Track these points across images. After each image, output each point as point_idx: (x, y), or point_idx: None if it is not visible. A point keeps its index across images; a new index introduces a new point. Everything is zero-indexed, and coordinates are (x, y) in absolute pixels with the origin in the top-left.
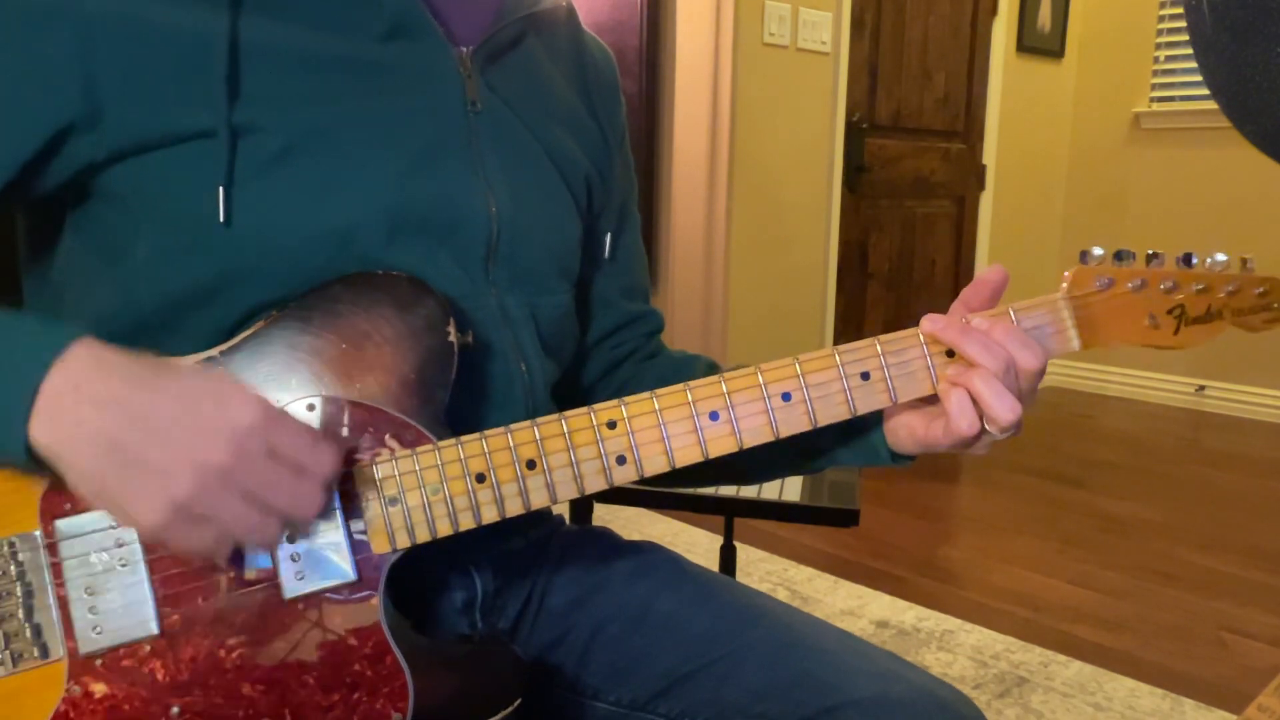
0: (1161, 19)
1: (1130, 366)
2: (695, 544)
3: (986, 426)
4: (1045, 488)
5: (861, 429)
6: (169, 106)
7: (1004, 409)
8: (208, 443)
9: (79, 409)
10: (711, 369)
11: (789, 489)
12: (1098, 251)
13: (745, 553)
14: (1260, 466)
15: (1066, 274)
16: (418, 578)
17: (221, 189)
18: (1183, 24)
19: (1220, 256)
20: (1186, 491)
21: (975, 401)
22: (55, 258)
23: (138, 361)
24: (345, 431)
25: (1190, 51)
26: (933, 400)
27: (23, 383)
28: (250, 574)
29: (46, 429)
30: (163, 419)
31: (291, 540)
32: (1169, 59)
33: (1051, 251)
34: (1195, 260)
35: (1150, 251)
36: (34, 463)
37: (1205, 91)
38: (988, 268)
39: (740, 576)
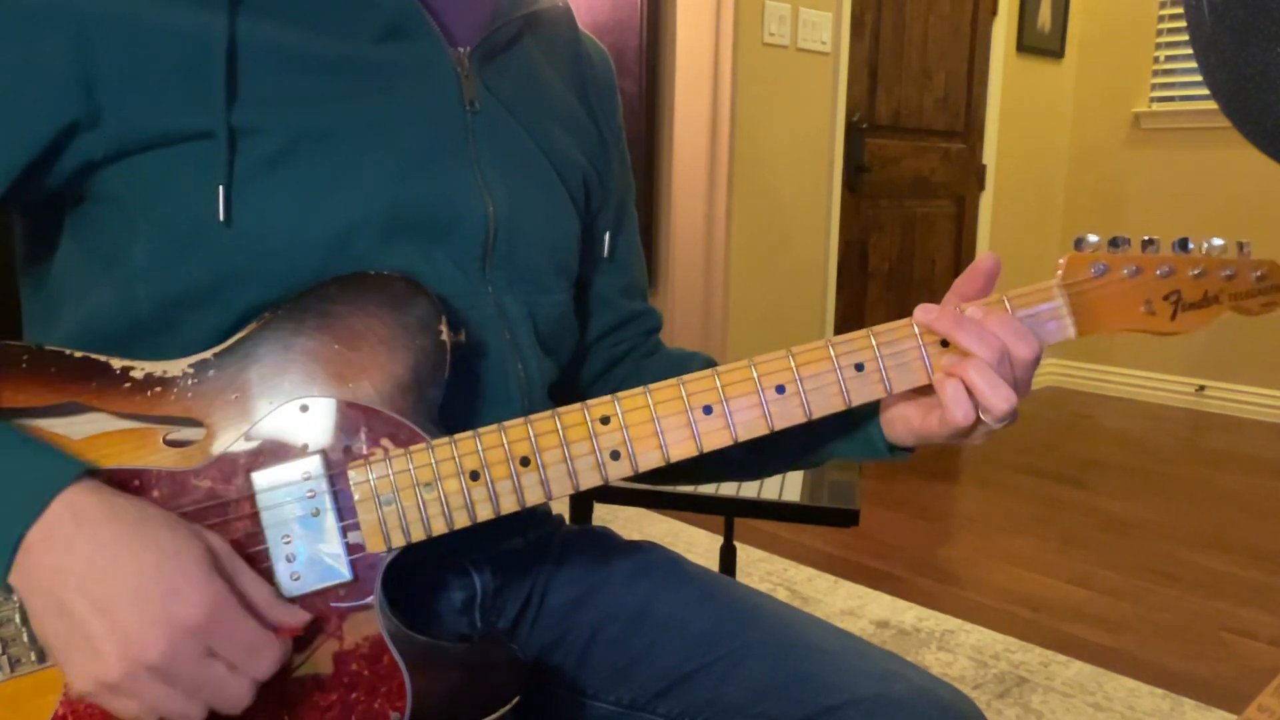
0: (1161, 19)
1: (1130, 366)
2: (695, 544)
3: (982, 416)
4: (1045, 488)
5: (857, 422)
6: (167, 107)
7: (999, 399)
8: (146, 639)
9: (41, 567)
10: (709, 367)
11: (789, 489)
12: (1092, 238)
13: (745, 553)
14: (1260, 466)
15: (1061, 261)
16: (417, 578)
17: (221, 189)
18: (1183, 24)
19: (1216, 241)
20: (1186, 491)
21: (970, 391)
22: (53, 260)
23: (121, 516)
24: (352, 431)
25: (1190, 51)
26: (928, 391)
27: (6, 537)
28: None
29: (15, 576)
30: (110, 598)
31: (287, 541)
32: (1169, 59)
33: (1051, 251)
34: (1191, 245)
35: (1145, 238)
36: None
37: (1205, 91)
38: (981, 256)
39: (740, 576)
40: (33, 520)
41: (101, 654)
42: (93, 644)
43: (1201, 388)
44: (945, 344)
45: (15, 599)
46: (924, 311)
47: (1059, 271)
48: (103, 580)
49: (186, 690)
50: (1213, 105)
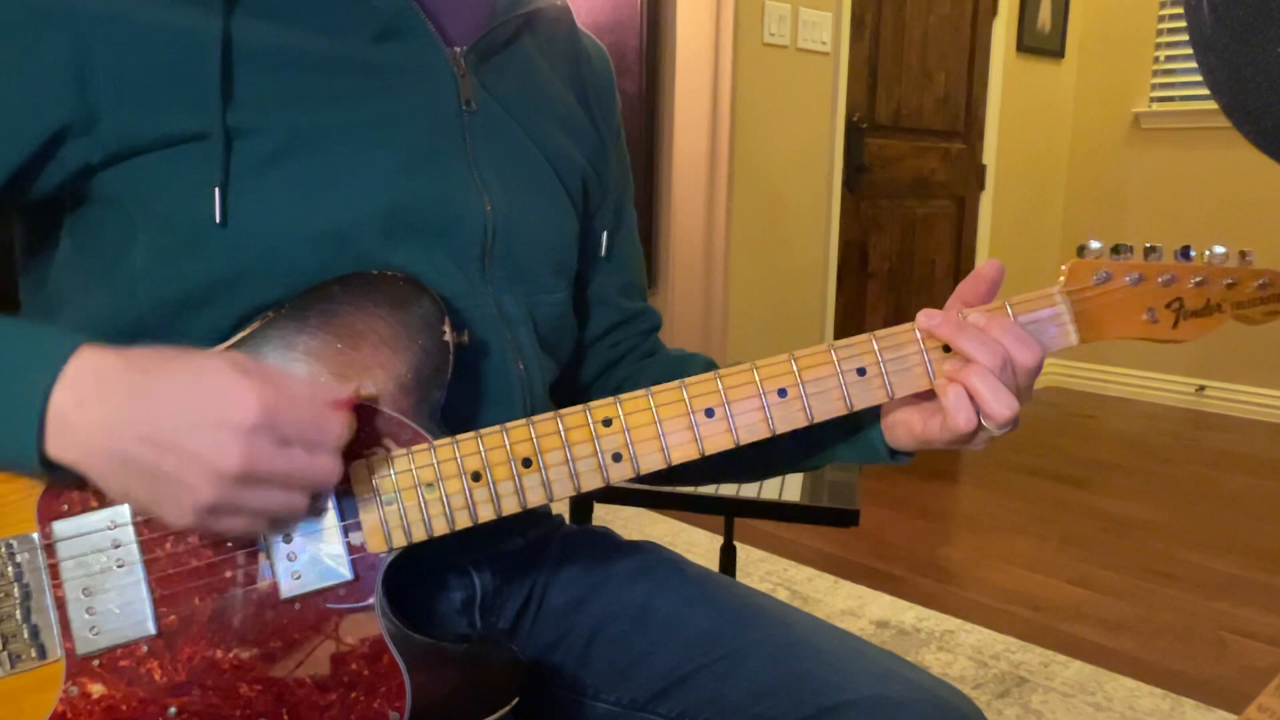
0: (1161, 19)
1: (1130, 366)
2: (695, 544)
3: (983, 423)
4: (1045, 488)
5: (859, 426)
6: (164, 109)
7: (1000, 405)
8: (220, 451)
9: (86, 429)
10: (709, 367)
11: (789, 489)
12: (1095, 245)
13: (745, 553)
14: (1260, 466)
15: (1064, 268)
16: (417, 577)
17: (218, 190)
18: (1183, 24)
19: (1219, 249)
20: (1186, 491)
21: (972, 397)
22: (52, 262)
23: (136, 363)
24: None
25: (1190, 51)
26: (930, 396)
27: (29, 406)
28: (247, 575)
29: (60, 447)
30: (169, 432)
31: (288, 540)
32: (1169, 59)
33: (1051, 251)
34: (1193, 253)
35: (1148, 245)
36: (59, 474)
37: (1205, 91)
38: (984, 262)
39: (740, 576)
40: (52, 384)
41: (187, 484)
42: (174, 480)
43: (1201, 388)
44: (947, 349)
45: (17, 593)
46: (927, 317)
47: (1061, 278)
48: (152, 418)
49: (281, 483)
50: (1213, 105)
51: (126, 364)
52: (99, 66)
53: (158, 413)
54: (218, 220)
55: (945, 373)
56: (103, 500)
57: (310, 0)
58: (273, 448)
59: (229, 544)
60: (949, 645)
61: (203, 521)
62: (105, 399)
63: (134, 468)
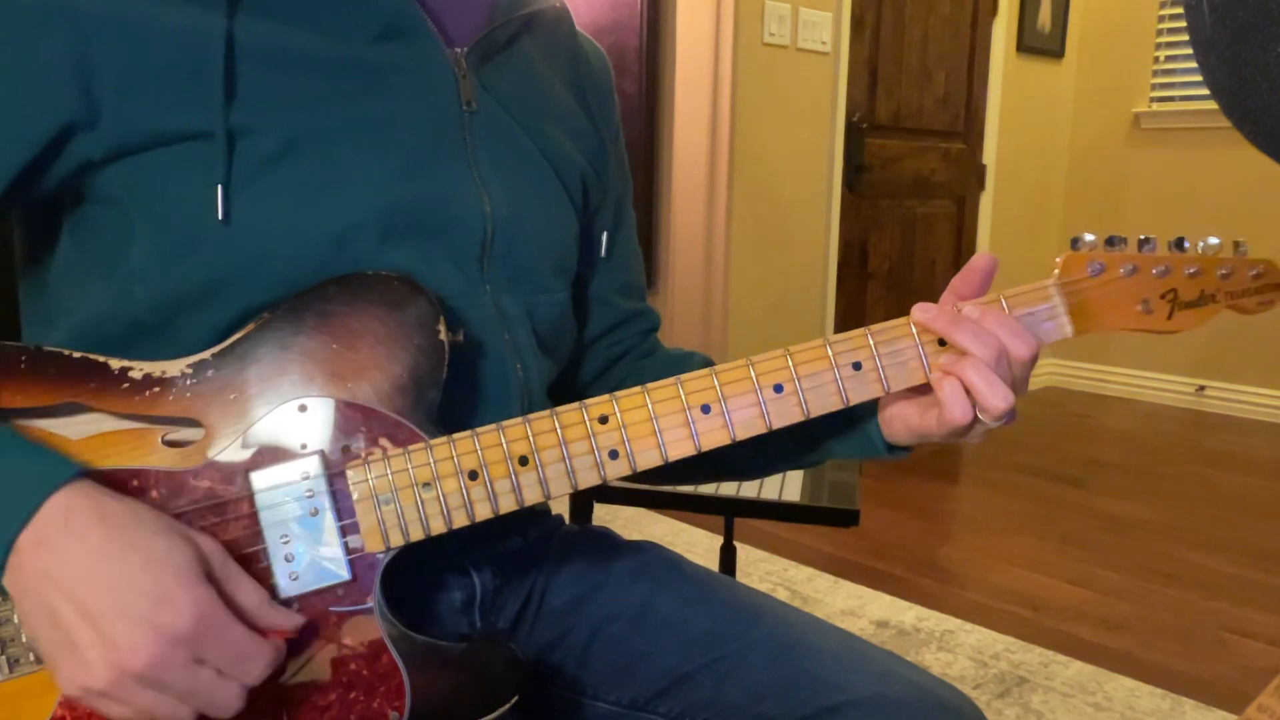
0: (1161, 19)
1: (1130, 366)
2: (695, 544)
3: (979, 415)
4: (1045, 488)
5: (855, 421)
6: (166, 107)
7: (996, 398)
8: (132, 646)
9: (31, 570)
10: (707, 366)
11: (789, 489)
12: (1089, 237)
13: (745, 553)
14: (1260, 466)
15: (1058, 260)
16: (417, 577)
17: (220, 188)
18: (1183, 24)
19: (1213, 240)
20: (1186, 491)
21: (968, 390)
22: (52, 261)
23: (106, 524)
24: (350, 431)
25: (1190, 51)
26: (926, 390)
27: (1, 536)
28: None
29: (8, 579)
30: (99, 606)
31: (286, 541)
32: (1169, 59)
33: (1051, 252)
34: (1188, 244)
35: (1142, 237)
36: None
37: (1205, 91)
38: (977, 255)
39: (740, 576)
40: (24, 523)
41: (89, 662)
42: (80, 652)
43: (1201, 388)
44: (943, 343)
45: (3, 595)
46: (921, 311)
47: (1056, 271)
48: (90, 587)
49: (176, 696)
50: (1213, 105)
51: (100, 519)
52: (101, 64)
53: (96, 585)
54: (220, 219)
55: (940, 366)
56: None
57: (312, 0)
58: (184, 663)
59: (227, 544)
60: (949, 645)
61: (85, 699)
62: (60, 549)
63: (52, 623)
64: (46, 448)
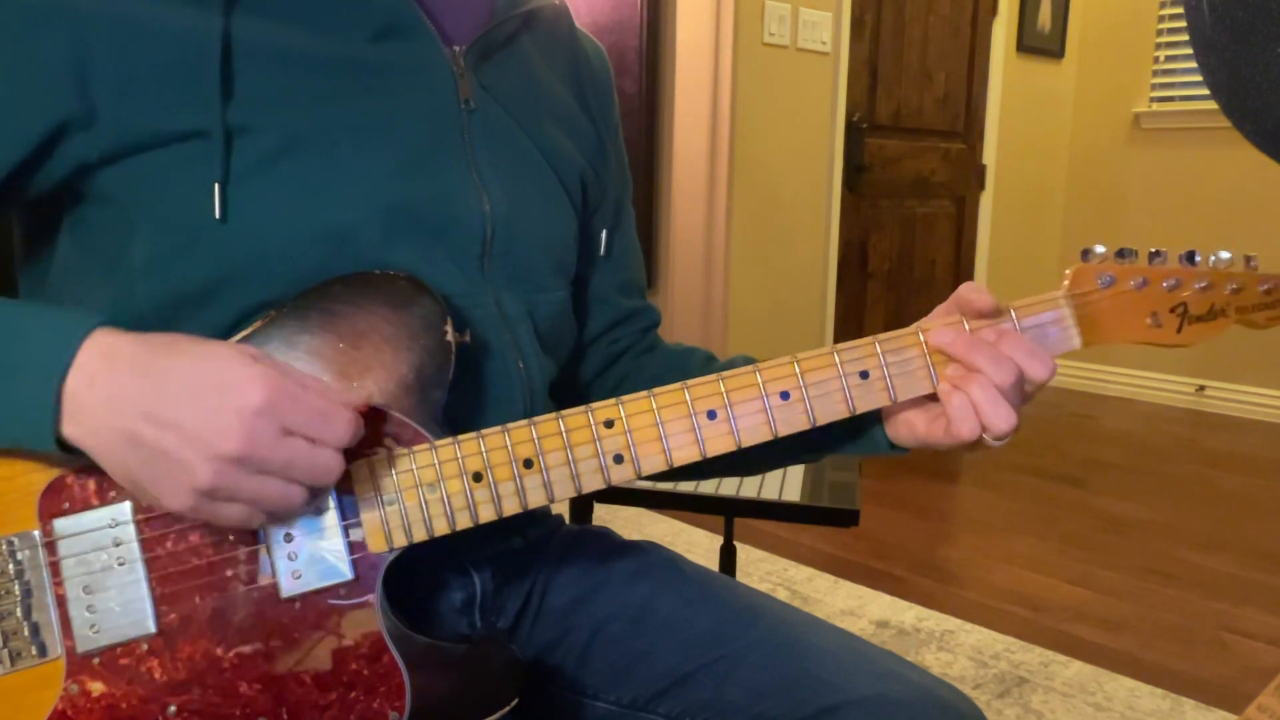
0: (1161, 19)
1: (1130, 366)
2: (695, 544)
3: (982, 434)
4: (1045, 488)
5: (862, 422)
6: (163, 107)
7: (999, 419)
8: (219, 433)
9: (95, 408)
10: (709, 361)
11: (789, 489)
12: (1099, 249)
13: (745, 553)
14: (1260, 466)
15: (1068, 272)
16: (417, 577)
17: (218, 187)
18: (1183, 24)
19: (1224, 254)
20: (1186, 491)
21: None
22: (52, 261)
23: (148, 346)
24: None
25: (1190, 51)
26: (933, 398)
27: (46, 387)
28: (247, 573)
29: (71, 427)
30: (173, 411)
31: (289, 539)
32: (1169, 59)
33: (1051, 251)
34: (1198, 258)
35: (1153, 249)
36: (69, 454)
37: (1205, 91)
38: (977, 293)
39: (740, 576)
40: (67, 367)
41: (185, 463)
42: (173, 459)
43: (1201, 388)
44: None
45: (17, 590)
46: (936, 336)
47: (1065, 282)
48: (158, 398)
49: (279, 472)
50: (1213, 105)
51: (138, 344)
52: (98, 63)
53: (163, 391)
54: (218, 218)
55: (948, 378)
56: (104, 498)
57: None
58: (274, 435)
59: (230, 542)
60: (949, 645)
61: (199, 505)
62: (114, 377)
63: (136, 446)
64: (67, 307)
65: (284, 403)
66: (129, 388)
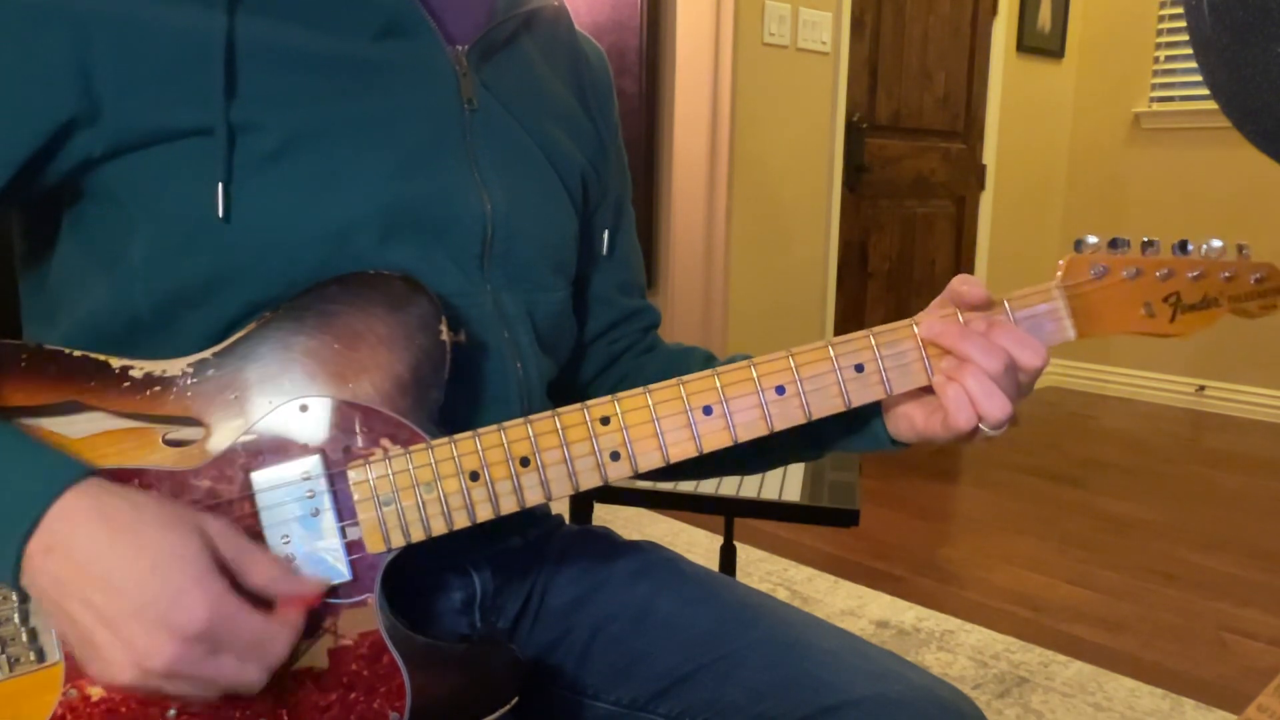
0: (1161, 19)
1: (1130, 366)
2: (695, 544)
3: (979, 424)
4: (1045, 488)
5: (861, 416)
6: (166, 104)
7: (993, 408)
8: (149, 645)
9: (44, 577)
10: (708, 360)
11: (789, 489)
12: (1092, 240)
13: (745, 553)
14: (1260, 466)
15: (1061, 262)
16: (417, 577)
17: (221, 185)
18: (1183, 24)
19: (1216, 243)
20: (1186, 491)
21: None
22: (52, 259)
23: (114, 521)
24: (349, 430)
25: (1190, 51)
26: (930, 391)
27: (8, 547)
28: None
29: (26, 579)
30: (111, 608)
31: (286, 541)
32: (1169, 59)
33: (1051, 251)
34: (1191, 247)
35: (1145, 239)
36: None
37: (1205, 91)
38: (970, 286)
39: (740, 576)
40: (29, 531)
41: (111, 662)
42: (101, 653)
43: (1201, 388)
44: None
45: (15, 596)
46: (926, 328)
47: (1059, 273)
48: (103, 592)
49: (201, 684)
50: (1213, 105)
51: (104, 519)
52: (101, 61)
53: (108, 589)
54: (220, 216)
55: (943, 370)
56: None
57: None
58: (203, 656)
59: None
60: (949, 645)
61: (118, 690)
62: (69, 557)
63: (73, 627)
64: (48, 448)
65: (224, 629)
66: (79, 570)
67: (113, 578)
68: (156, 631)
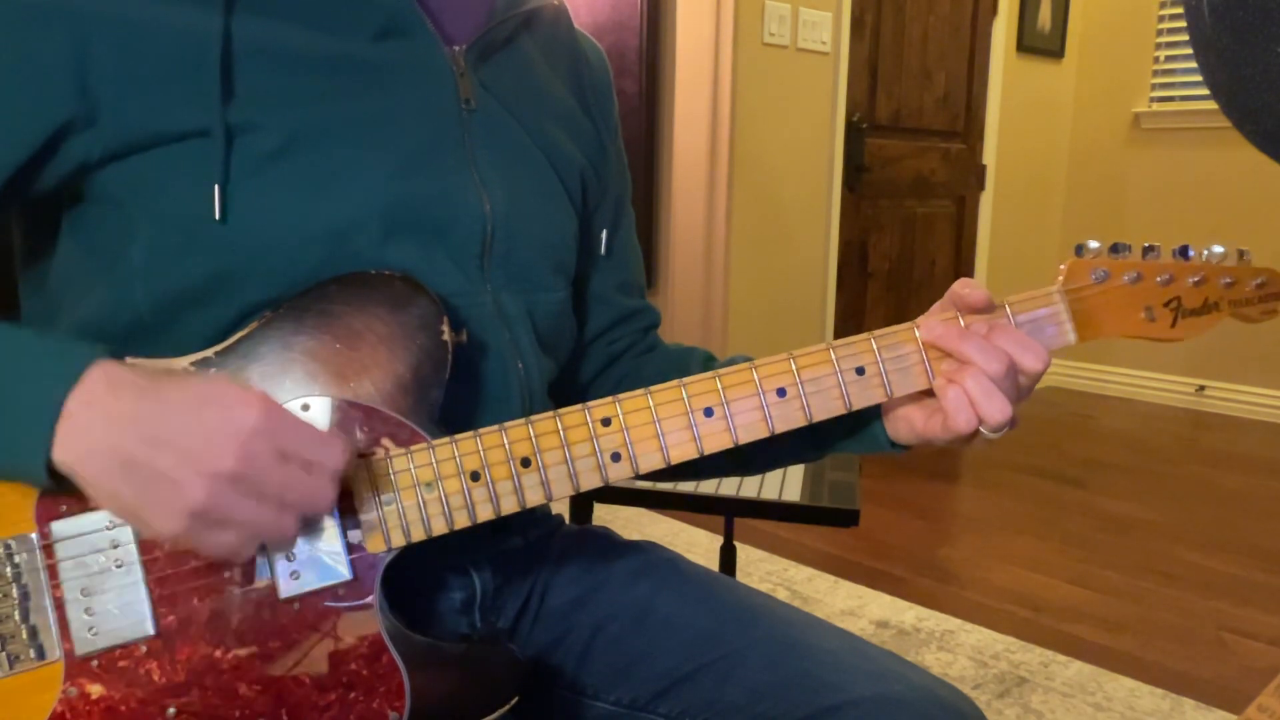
0: (1161, 19)
1: (1130, 366)
2: (695, 544)
3: (979, 426)
4: (1045, 488)
5: (861, 418)
6: (164, 106)
7: (993, 410)
8: (215, 451)
9: (92, 429)
10: (708, 361)
11: (789, 489)
12: (1093, 244)
13: (745, 553)
14: (1260, 466)
15: (1062, 266)
16: (417, 577)
17: (218, 187)
18: (1183, 24)
19: (1217, 248)
20: (1186, 491)
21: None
22: (51, 260)
23: (146, 374)
24: (351, 427)
25: (1190, 51)
26: (930, 393)
27: (46, 410)
28: (246, 575)
29: (64, 450)
30: (170, 430)
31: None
32: (1169, 59)
33: (1051, 252)
34: (1192, 252)
35: (1146, 244)
36: (54, 480)
37: (1205, 91)
38: (972, 290)
39: (740, 576)
40: (71, 386)
41: (179, 482)
42: (167, 477)
43: (1201, 388)
44: None
45: (15, 593)
46: (927, 330)
47: (1060, 277)
48: (155, 418)
49: (273, 497)
50: (1213, 105)
51: (138, 372)
52: (99, 63)
53: (160, 411)
54: (217, 217)
55: (944, 373)
56: None
57: None
58: (270, 457)
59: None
60: (949, 645)
61: (191, 528)
62: (113, 398)
63: (130, 468)
64: (66, 339)
65: (280, 426)
66: (128, 408)
67: (161, 404)
68: (218, 432)
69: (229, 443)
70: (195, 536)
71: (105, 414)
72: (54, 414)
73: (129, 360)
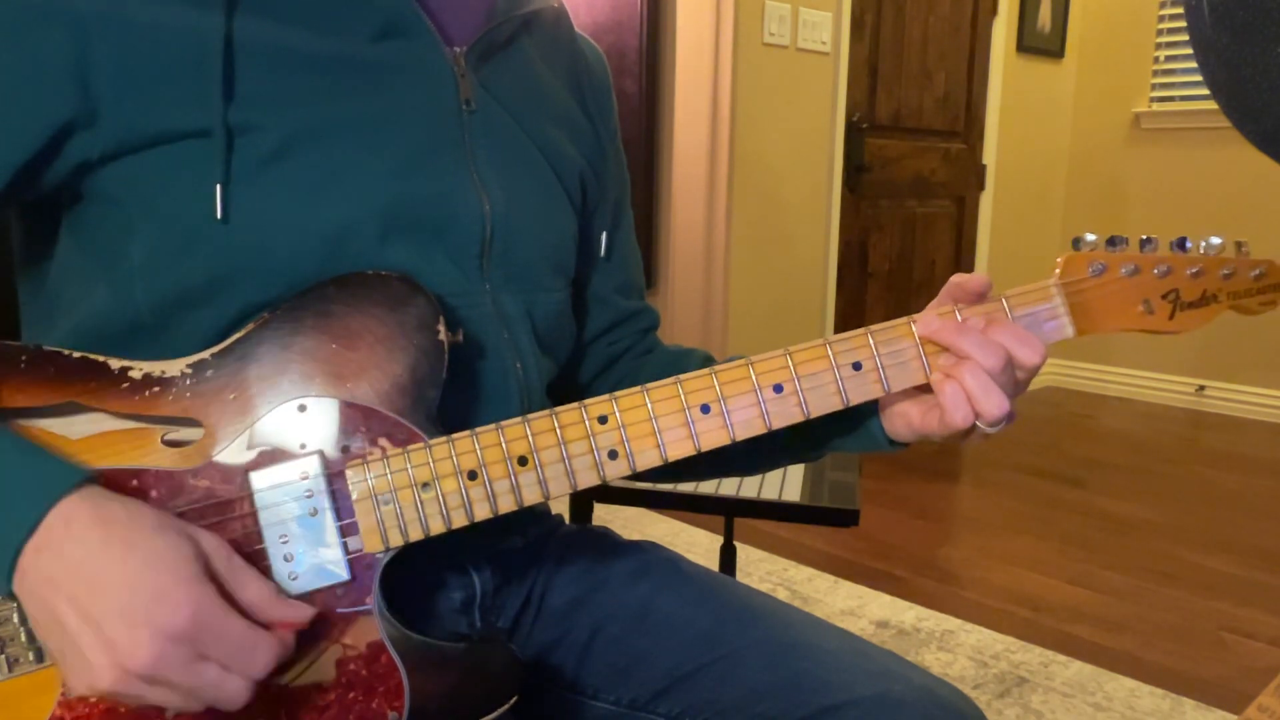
0: (1161, 19)
1: (1130, 366)
2: (695, 544)
3: (976, 421)
4: (1045, 488)
5: (858, 416)
6: (164, 106)
7: (991, 405)
8: (131, 644)
9: (34, 575)
10: (707, 362)
11: (789, 489)
12: (1090, 238)
13: (745, 553)
14: (1260, 466)
15: (1059, 260)
16: (416, 577)
17: (219, 187)
18: (1183, 24)
19: (1214, 240)
20: (1186, 491)
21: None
22: (51, 260)
23: (108, 523)
24: (349, 430)
25: (1190, 51)
26: (928, 389)
27: (5, 549)
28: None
29: (17, 585)
30: (99, 610)
31: (285, 540)
32: (1169, 59)
33: (1051, 251)
34: (1189, 244)
35: (1143, 237)
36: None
37: (1205, 91)
38: (972, 276)
39: (740, 576)
40: (29, 533)
41: (92, 664)
42: (84, 654)
43: (1201, 388)
44: None
45: (14, 600)
46: (924, 325)
47: (1056, 271)
48: (90, 590)
49: (182, 691)
50: (1213, 105)
51: (100, 522)
52: (99, 63)
53: (96, 588)
54: (218, 217)
55: (940, 368)
56: None
57: None
58: (186, 660)
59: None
60: (949, 645)
61: (94, 694)
62: (61, 556)
63: (58, 629)
64: (49, 453)
65: (207, 632)
66: (69, 571)
67: (101, 576)
68: (139, 629)
69: (147, 642)
70: (102, 698)
71: (48, 571)
72: (10, 562)
73: (103, 472)
